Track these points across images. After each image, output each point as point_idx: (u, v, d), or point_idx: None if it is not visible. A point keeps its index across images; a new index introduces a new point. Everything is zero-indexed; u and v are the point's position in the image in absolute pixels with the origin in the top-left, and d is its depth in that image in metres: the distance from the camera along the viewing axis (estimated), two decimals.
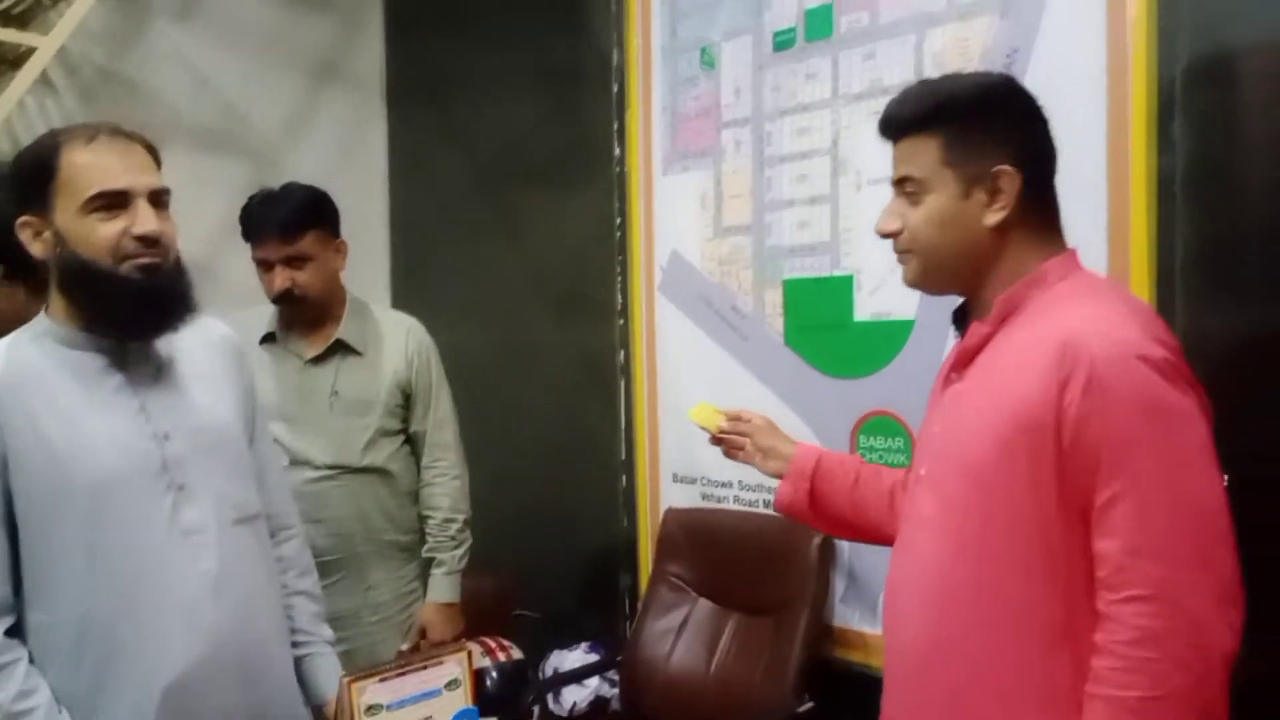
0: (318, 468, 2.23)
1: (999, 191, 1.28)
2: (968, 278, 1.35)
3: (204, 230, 2.97)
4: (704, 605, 2.26)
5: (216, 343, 1.60)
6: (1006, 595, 1.23)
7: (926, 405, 1.45)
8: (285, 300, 2.24)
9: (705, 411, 1.71)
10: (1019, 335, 1.27)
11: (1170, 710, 1.13)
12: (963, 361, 1.34)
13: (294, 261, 2.24)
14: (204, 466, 1.47)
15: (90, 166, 1.40)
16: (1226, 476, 1.49)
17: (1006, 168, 1.27)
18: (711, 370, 2.39)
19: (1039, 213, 1.30)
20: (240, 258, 3.08)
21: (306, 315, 2.29)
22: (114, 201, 1.40)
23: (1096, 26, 1.75)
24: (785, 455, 1.63)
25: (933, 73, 1.97)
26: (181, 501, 1.43)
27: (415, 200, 3.37)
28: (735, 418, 1.68)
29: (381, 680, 1.41)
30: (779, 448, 1.64)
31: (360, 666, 1.49)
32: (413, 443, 2.35)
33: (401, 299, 3.36)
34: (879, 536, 1.59)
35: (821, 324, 2.18)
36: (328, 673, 1.58)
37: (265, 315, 2.32)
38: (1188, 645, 1.13)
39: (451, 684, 1.47)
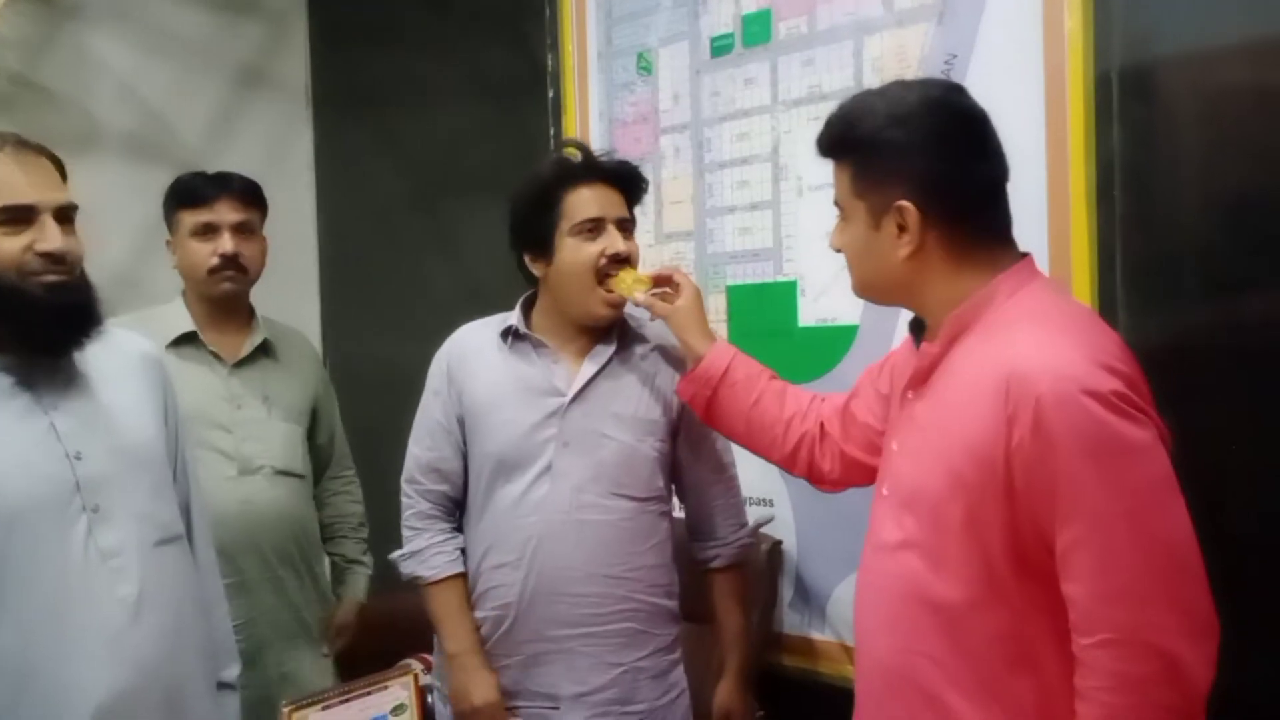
0: (271, 474, 2.17)
1: (906, 225, 1.26)
2: (901, 298, 1.35)
3: (127, 239, 2.87)
4: None
5: (136, 357, 1.53)
6: (965, 624, 1.21)
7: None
8: (228, 268, 2.15)
9: (625, 282, 1.73)
10: (969, 357, 1.24)
11: None
12: (918, 380, 1.32)
13: (244, 229, 2.18)
14: (123, 486, 1.41)
15: None
16: None
17: (905, 203, 1.25)
18: None
19: (964, 237, 1.27)
20: (163, 266, 2.98)
21: (232, 302, 2.21)
22: (19, 216, 1.35)
23: (1034, 34, 1.76)
24: (697, 352, 1.66)
25: (872, 78, 1.98)
26: (97, 524, 1.36)
27: (346, 210, 3.30)
28: (664, 281, 1.74)
29: (325, 708, 1.36)
30: (692, 343, 1.68)
31: (303, 693, 1.43)
32: (313, 454, 2.35)
33: (331, 311, 3.29)
34: (764, 454, 1.66)
35: (766, 330, 2.17)
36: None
37: (172, 315, 2.20)
38: (1168, 686, 1.10)
39: (398, 709, 1.43)
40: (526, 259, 1.80)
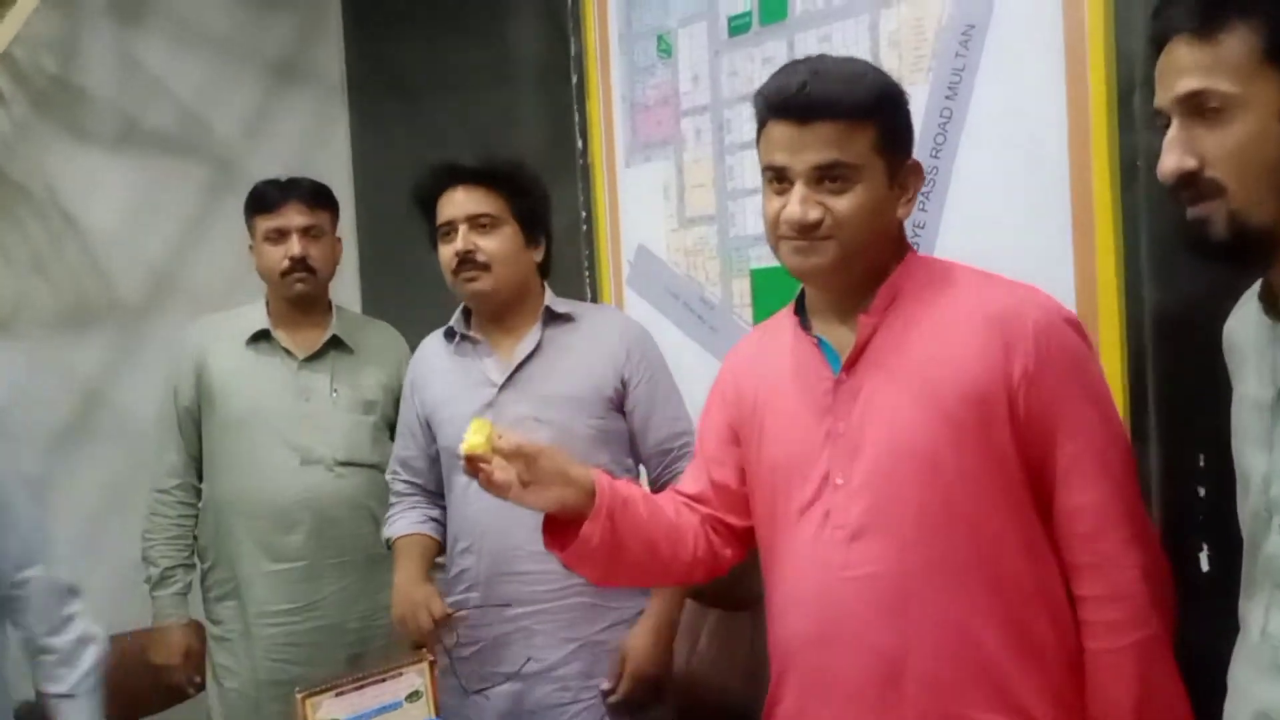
0: (333, 464, 2.25)
1: (908, 184, 1.33)
2: (871, 266, 1.32)
3: (165, 234, 2.93)
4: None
5: None
6: (984, 568, 1.23)
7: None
8: (297, 270, 2.24)
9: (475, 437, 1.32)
10: (923, 317, 1.29)
11: (1168, 644, 1.24)
12: (852, 358, 1.31)
13: (312, 232, 2.26)
14: None
15: None
16: (1202, 455, 1.49)
17: (917, 160, 1.34)
18: (683, 364, 2.34)
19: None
20: (202, 261, 3.04)
21: (306, 301, 2.29)
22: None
23: (1053, 2, 1.71)
24: (583, 485, 1.33)
25: (889, 54, 1.94)
26: None
27: (382, 200, 3.32)
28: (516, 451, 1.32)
29: (338, 695, 1.39)
30: (567, 492, 1.32)
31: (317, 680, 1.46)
32: None
33: (371, 301, 3.33)
34: (664, 572, 1.45)
35: None
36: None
37: (251, 314, 2.31)
38: (1166, 580, 1.26)
39: (413, 696, 1.45)
40: None
